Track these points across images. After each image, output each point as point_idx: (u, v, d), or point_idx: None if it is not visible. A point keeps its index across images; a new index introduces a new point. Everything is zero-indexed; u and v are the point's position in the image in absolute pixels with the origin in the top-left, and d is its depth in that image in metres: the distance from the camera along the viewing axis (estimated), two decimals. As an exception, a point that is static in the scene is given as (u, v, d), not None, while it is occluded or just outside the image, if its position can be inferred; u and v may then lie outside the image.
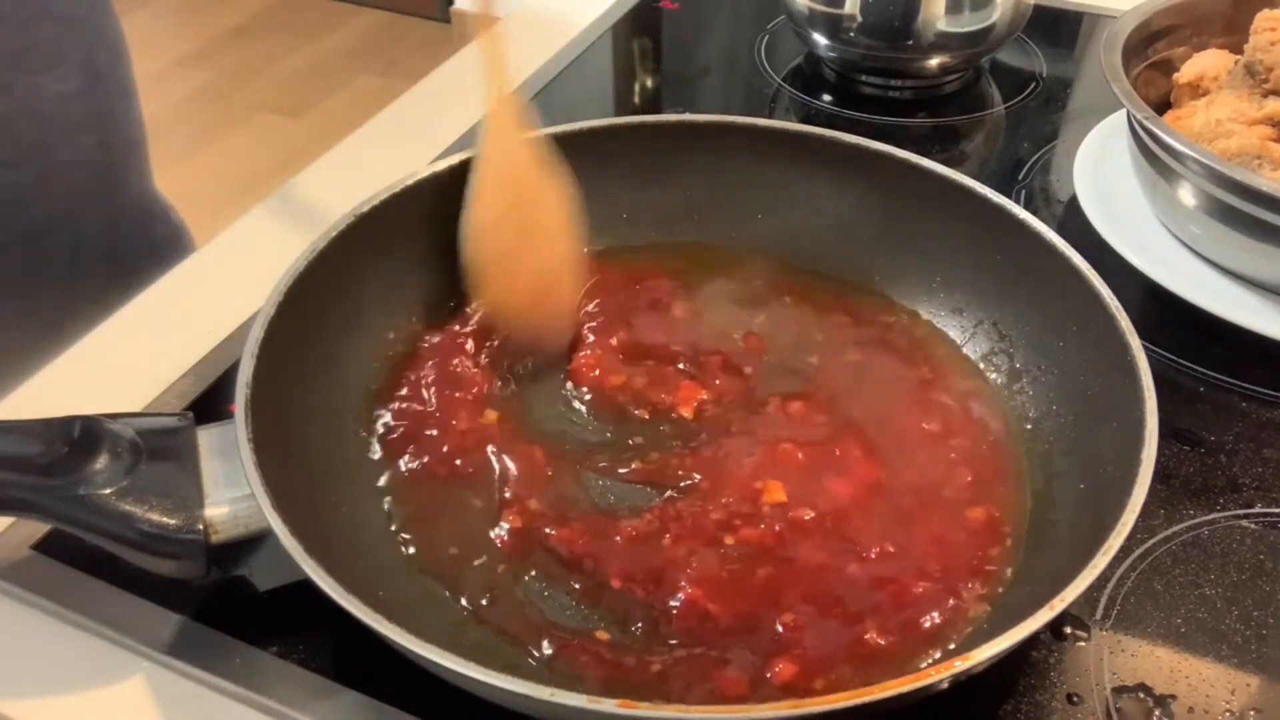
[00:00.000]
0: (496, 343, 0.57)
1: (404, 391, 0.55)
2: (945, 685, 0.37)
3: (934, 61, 0.83)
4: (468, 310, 0.58)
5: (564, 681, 0.43)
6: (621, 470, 0.51)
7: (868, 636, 0.44)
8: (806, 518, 0.48)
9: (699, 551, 0.47)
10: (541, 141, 0.57)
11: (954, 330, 0.58)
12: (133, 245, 0.78)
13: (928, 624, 0.45)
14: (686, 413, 0.54)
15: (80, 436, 0.43)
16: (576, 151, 0.59)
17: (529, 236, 0.56)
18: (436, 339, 0.57)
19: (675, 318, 0.59)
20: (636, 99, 0.89)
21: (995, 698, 0.44)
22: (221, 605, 0.47)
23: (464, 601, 0.46)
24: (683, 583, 0.46)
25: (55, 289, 0.72)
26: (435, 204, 0.58)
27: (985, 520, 0.49)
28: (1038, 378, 0.54)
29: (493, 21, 0.56)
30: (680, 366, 0.56)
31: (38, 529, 0.49)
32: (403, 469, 0.51)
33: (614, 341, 0.57)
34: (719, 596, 0.45)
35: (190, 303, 0.65)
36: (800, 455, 0.51)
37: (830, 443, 0.52)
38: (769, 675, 0.43)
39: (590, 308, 0.59)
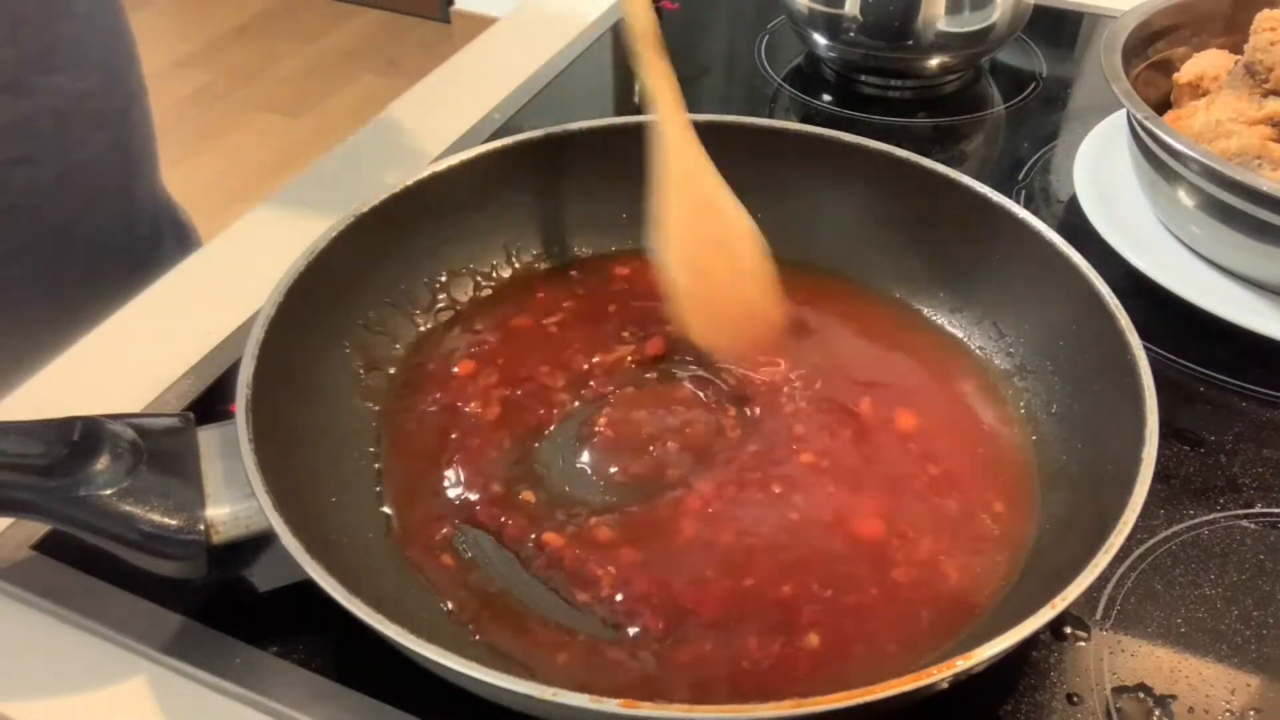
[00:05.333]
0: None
1: (405, 392, 0.55)
2: (945, 685, 0.37)
3: (934, 61, 0.83)
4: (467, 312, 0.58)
5: (563, 681, 0.43)
6: (625, 473, 0.51)
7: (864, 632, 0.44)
8: (806, 509, 0.49)
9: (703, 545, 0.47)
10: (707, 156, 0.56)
11: (954, 329, 0.58)
12: (147, 245, 0.78)
13: (926, 623, 0.45)
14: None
15: (81, 437, 0.43)
16: (576, 151, 0.60)
17: (719, 246, 0.55)
18: (437, 340, 0.57)
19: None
20: (636, 99, 0.89)
21: (995, 698, 0.44)
22: (222, 605, 0.47)
23: (463, 602, 0.46)
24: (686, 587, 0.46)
25: (75, 288, 0.72)
26: (435, 204, 0.58)
27: (984, 520, 0.49)
28: (1037, 377, 0.54)
29: (656, 36, 0.56)
30: (681, 367, 0.56)
31: (38, 529, 0.49)
32: (403, 470, 0.51)
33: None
34: (714, 594, 0.46)
35: (190, 303, 0.65)
36: (796, 451, 0.51)
37: (825, 440, 0.52)
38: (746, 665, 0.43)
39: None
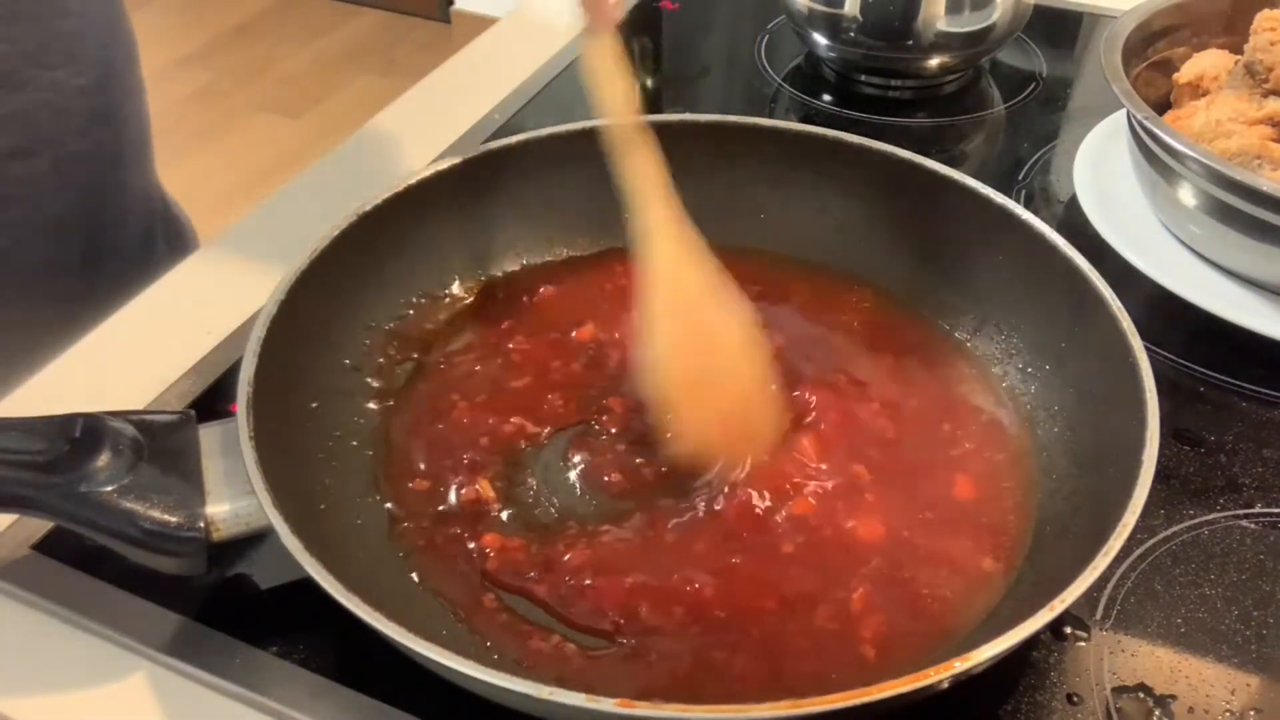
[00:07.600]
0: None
1: (406, 392, 0.55)
2: (945, 685, 0.37)
3: (934, 61, 0.83)
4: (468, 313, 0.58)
5: (565, 681, 0.43)
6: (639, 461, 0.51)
7: (868, 635, 0.44)
8: (805, 512, 0.49)
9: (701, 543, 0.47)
10: (704, 250, 0.50)
11: (955, 330, 0.58)
12: (142, 241, 0.79)
13: (926, 624, 0.45)
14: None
15: (82, 434, 0.43)
16: (577, 152, 0.59)
17: (713, 359, 0.51)
18: (439, 339, 0.57)
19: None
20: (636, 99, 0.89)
21: (995, 698, 0.44)
22: (222, 605, 0.47)
23: (460, 600, 0.46)
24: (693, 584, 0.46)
25: (70, 283, 0.72)
26: (436, 203, 0.58)
27: (985, 520, 0.49)
28: (1039, 378, 0.54)
29: (635, 114, 0.48)
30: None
31: (38, 529, 0.49)
32: (404, 470, 0.51)
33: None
34: (721, 594, 0.46)
35: (190, 302, 0.65)
36: (792, 451, 0.51)
37: (822, 441, 0.52)
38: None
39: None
